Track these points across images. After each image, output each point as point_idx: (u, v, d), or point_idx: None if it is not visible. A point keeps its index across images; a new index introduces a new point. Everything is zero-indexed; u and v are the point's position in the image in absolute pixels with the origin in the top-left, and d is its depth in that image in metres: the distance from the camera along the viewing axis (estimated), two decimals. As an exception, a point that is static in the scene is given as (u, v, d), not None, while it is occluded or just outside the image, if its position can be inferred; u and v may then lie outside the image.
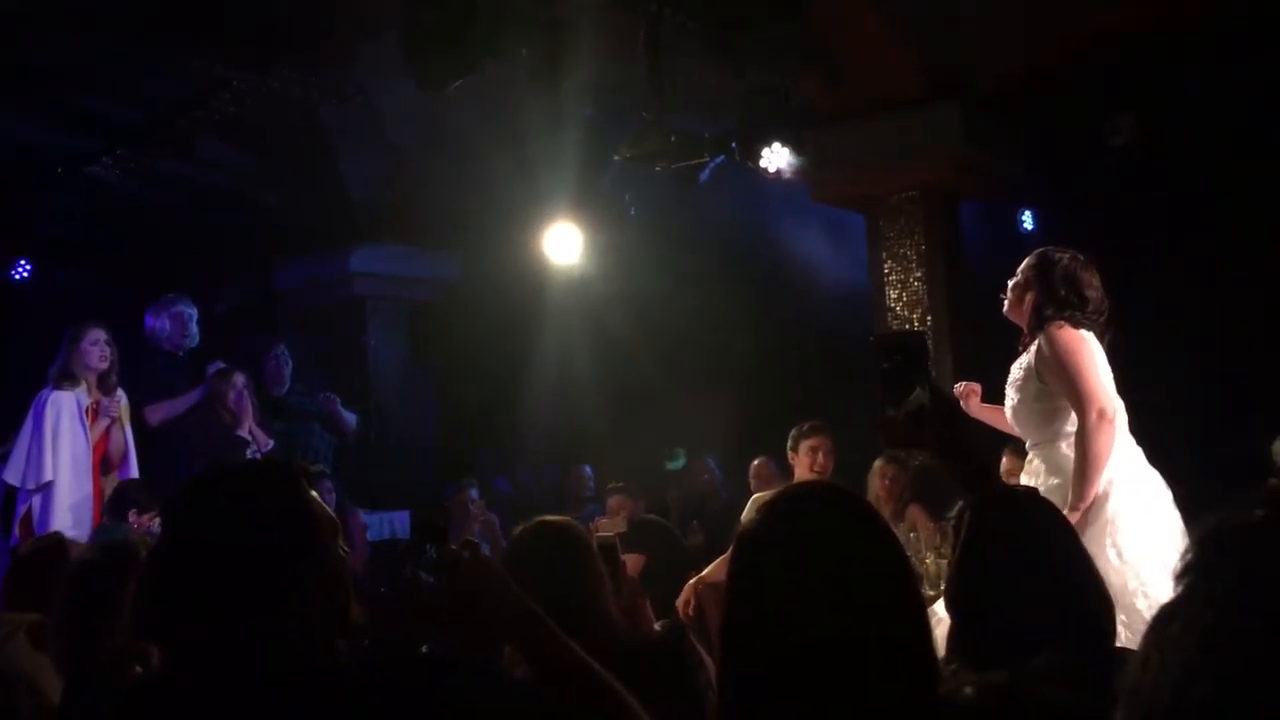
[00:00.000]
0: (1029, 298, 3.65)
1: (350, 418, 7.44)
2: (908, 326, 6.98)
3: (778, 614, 1.52)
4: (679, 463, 6.14)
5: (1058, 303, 3.59)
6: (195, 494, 1.82)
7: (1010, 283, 3.72)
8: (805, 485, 1.79)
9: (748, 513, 5.72)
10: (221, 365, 6.73)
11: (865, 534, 1.60)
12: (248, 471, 1.92)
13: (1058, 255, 3.65)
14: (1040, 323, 3.59)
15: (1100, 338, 3.64)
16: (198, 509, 1.76)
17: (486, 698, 1.61)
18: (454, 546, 1.73)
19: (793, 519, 1.61)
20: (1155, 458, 5.84)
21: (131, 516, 5.42)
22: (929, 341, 1.77)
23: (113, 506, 5.51)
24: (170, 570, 1.72)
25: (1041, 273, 3.64)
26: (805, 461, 5.79)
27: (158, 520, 5.49)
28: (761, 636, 1.53)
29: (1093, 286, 3.63)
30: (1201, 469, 6.47)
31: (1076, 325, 3.59)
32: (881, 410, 1.83)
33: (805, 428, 5.87)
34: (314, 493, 1.79)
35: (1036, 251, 3.71)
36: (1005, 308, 3.69)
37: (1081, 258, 3.65)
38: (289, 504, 1.73)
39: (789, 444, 5.91)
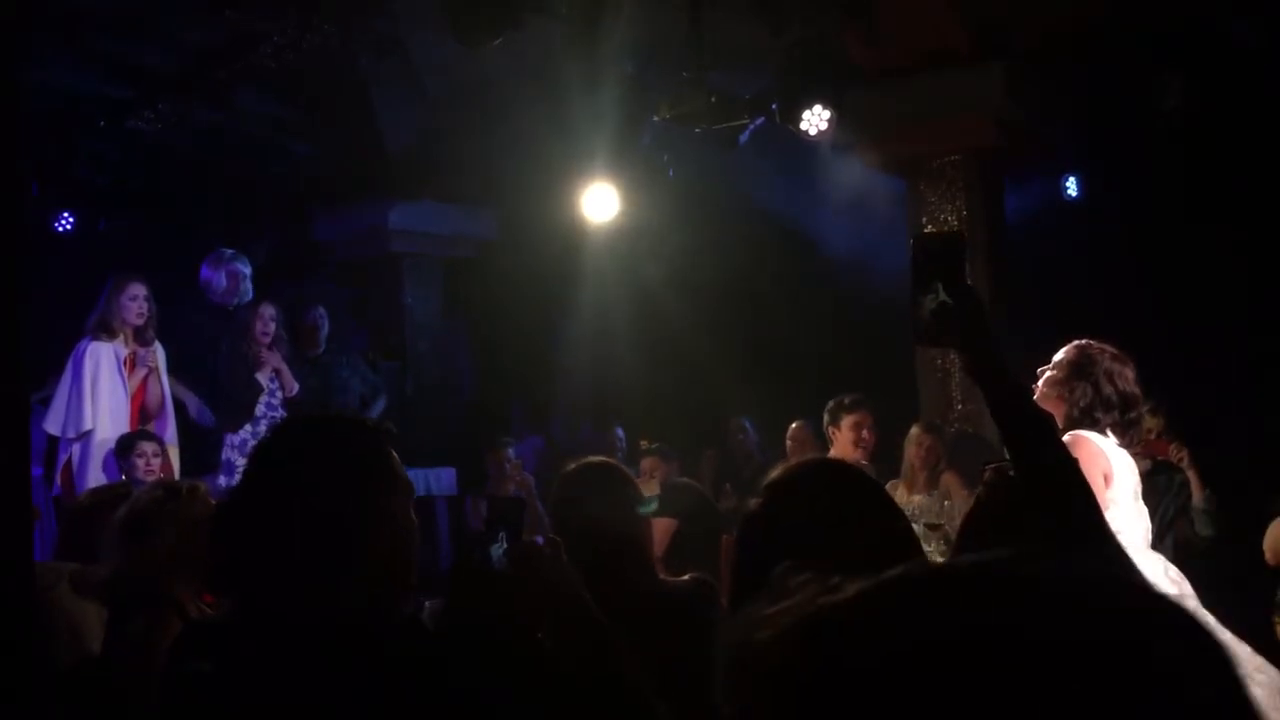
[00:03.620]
0: (1069, 396, 3.50)
1: (379, 406, 7.54)
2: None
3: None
4: (651, 506, 6.14)
5: (1105, 403, 3.47)
6: (281, 445, 1.82)
7: (1044, 374, 3.56)
8: (806, 463, 1.80)
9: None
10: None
11: (865, 509, 1.60)
12: (334, 426, 1.91)
13: (1098, 352, 3.52)
14: (1091, 425, 3.48)
15: (1127, 433, 3.54)
16: (282, 460, 1.77)
17: (525, 673, 1.63)
18: (538, 541, 1.75)
19: (792, 497, 1.62)
20: (1204, 423, 5.80)
21: (140, 465, 5.49)
22: (966, 243, 1.78)
23: (123, 468, 5.56)
24: (249, 518, 1.73)
25: (1084, 371, 3.50)
26: (849, 437, 5.66)
27: (150, 453, 5.56)
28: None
29: (1131, 382, 3.52)
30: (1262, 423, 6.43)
31: (1119, 430, 3.50)
32: (911, 305, 1.82)
33: (847, 402, 5.71)
34: (394, 454, 1.79)
35: (1074, 345, 3.56)
36: (1036, 397, 3.57)
37: (1118, 352, 3.54)
38: (372, 463, 1.74)
39: (827, 417, 5.77)
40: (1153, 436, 5.44)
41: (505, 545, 1.72)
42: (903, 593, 0.69)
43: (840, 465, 1.75)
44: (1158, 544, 5.19)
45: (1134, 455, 5.23)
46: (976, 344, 1.81)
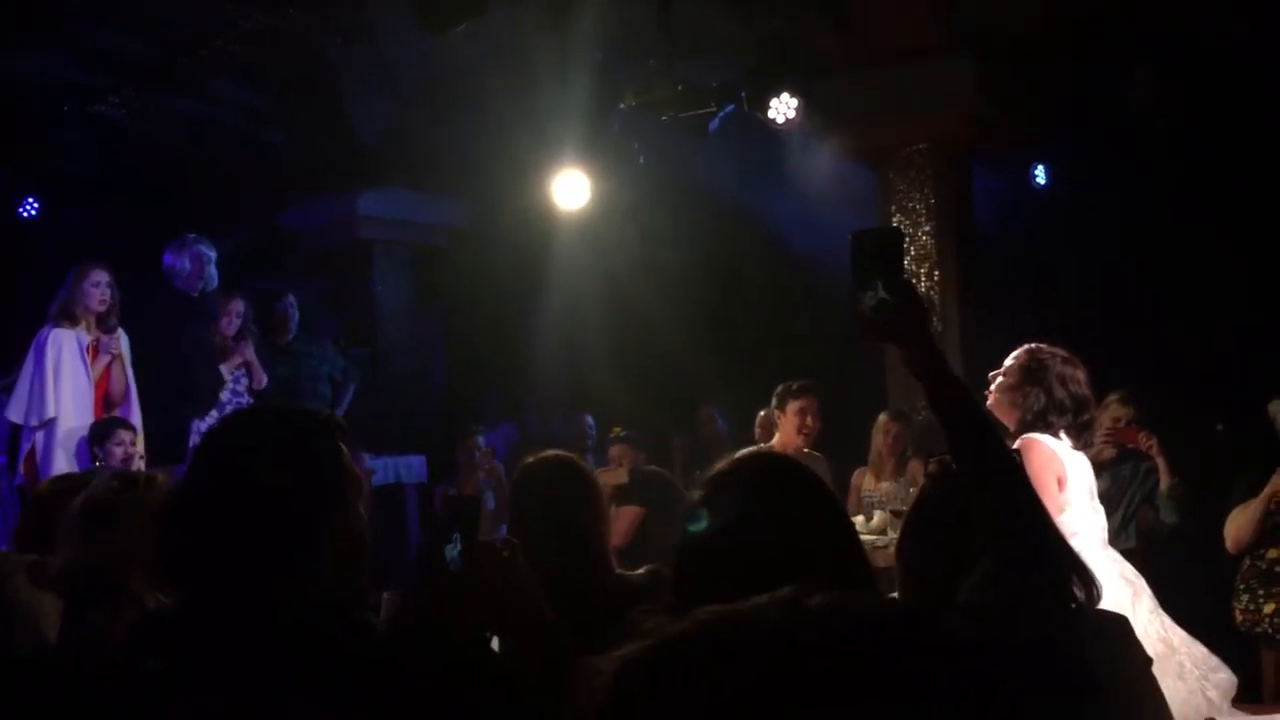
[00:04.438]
0: (1022, 401, 3.48)
1: (350, 391, 7.60)
2: (916, 278, 6.93)
3: (723, 584, 1.53)
4: (701, 524, 6.17)
5: (1058, 408, 3.46)
6: (231, 436, 1.79)
7: (996, 380, 3.55)
8: (748, 456, 1.82)
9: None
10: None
11: (805, 503, 1.62)
12: (286, 419, 1.87)
13: (1049, 357, 3.50)
14: (1045, 428, 3.46)
15: (1081, 435, 3.53)
16: (233, 451, 1.74)
17: (478, 674, 1.63)
18: (495, 543, 1.74)
19: (733, 490, 1.63)
20: (1174, 413, 5.85)
21: (118, 453, 5.45)
22: (904, 239, 1.85)
23: (98, 455, 5.51)
24: (197, 510, 1.71)
25: (1035, 376, 3.47)
26: (793, 423, 5.65)
27: (128, 441, 5.52)
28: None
29: (1083, 385, 3.51)
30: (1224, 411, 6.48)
31: (1073, 432, 3.48)
32: (851, 302, 1.85)
33: (794, 387, 5.70)
34: (345, 448, 1.77)
35: (1024, 350, 3.54)
36: (989, 402, 3.52)
37: (1069, 356, 3.52)
38: (324, 457, 1.72)
39: (774, 402, 5.76)
40: (1122, 424, 5.46)
41: (460, 546, 1.71)
42: (694, 641, 0.75)
43: (781, 459, 1.76)
44: (1121, 532, 5.24)
45: (1103, 443, 5.29)
46: (916, 340, 1.83)
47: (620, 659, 0.75)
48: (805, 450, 5.64)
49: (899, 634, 0.73)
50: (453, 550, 1.72)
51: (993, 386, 3.54)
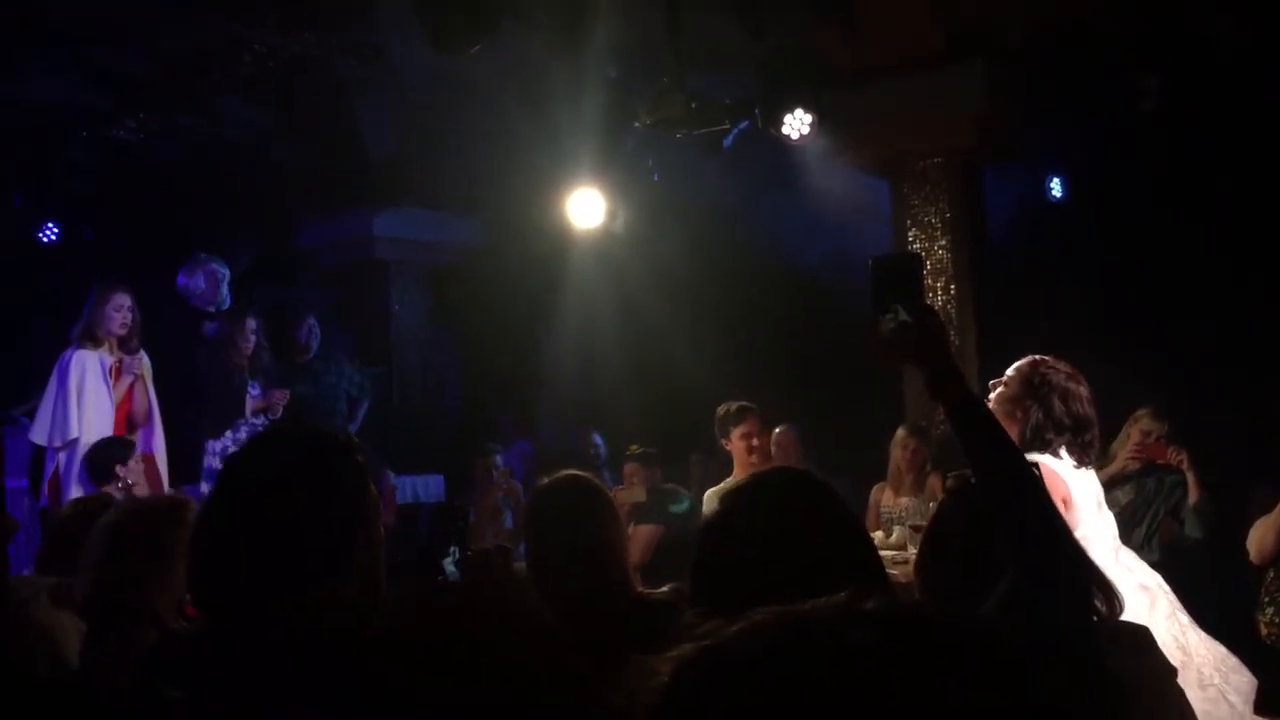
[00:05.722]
0: (1021, 415, 3.38)
1: (364, 407, 7.65)
2: (933, 292, 6.90)
3: (742, 598, 1.52)
4: (684, 505, 6.10)
5: (1057, 425, 3.36)
6: (253, 460, 1.81)
7: (995, 390, 3.45)
8: (768, 472, 1.83)
9: (708, 503, 5.66)
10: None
11: (824, 520, 1.62)
12: (307, 442, 1.87)
13: (1050, 372, 3.40)
14: (1043, 447, 3.37)
15: (1085, 453, 3.42)
16: (255, 475, 1.76)
17: (493, 683, 1.63)
18: (488, 549, 1.75)
19: (749, 507, 1.64)
20: (1196, 413, 5.82)
21: (120, 471, 5.42)
22: (922, 263, 1.89)
23: (95, 474, 5.48)
24: (220, 533, 1.72)
25: (1035, 390, 3.38)
26: (740, 447, 5.56)
27: (139, 471, 5.52)
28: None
29: (1085, 403, 3.40)
30: (1244, 421, 6.44)
31: (1074, 452, 3.39)
32: (871, 325, 1.89)
33: (733, 410, 5.62)
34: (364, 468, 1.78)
35: (1028, 361, 3.45)
36: None
37: (1072, 371, 3.42)
38: (343, 478, 1.74)
39: (717, 431, 5.67)
40: (1152, 439, 5.43)
41: (457, 556, 1.72)
42: (752, 642, 0.76)
43: (798, 474, 1.76)
44: (1145, 545, 5.21)
45: (1130, 458, 5.26)
46: (936, 362, 1.84)
47: (678, 659, 0.75)
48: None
49: (953, 638, 0.73)
50: (450, 560, 1.73)
51: (993, 395, 3.45)
